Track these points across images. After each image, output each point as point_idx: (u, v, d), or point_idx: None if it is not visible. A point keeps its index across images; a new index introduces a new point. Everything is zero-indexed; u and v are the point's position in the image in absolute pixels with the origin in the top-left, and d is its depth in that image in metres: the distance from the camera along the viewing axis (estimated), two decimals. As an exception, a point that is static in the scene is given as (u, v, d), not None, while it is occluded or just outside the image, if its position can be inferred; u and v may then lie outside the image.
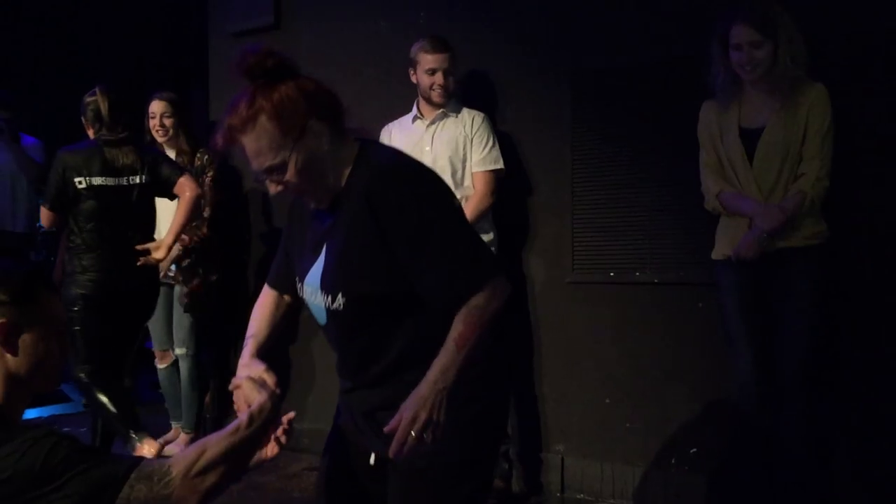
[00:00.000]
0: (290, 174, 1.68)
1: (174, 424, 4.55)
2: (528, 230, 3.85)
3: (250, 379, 1.72)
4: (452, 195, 1.79)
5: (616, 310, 3.66)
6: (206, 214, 4.37)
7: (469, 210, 3.52)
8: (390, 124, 3.80)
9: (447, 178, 3.55)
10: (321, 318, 1.81)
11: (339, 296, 1.72)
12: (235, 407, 1.71)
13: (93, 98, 3.86)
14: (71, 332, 3.60)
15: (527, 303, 3.85)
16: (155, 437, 4.39)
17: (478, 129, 3.62)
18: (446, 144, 3.62)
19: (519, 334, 3.85)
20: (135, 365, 5.89)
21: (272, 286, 1.98)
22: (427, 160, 3.57)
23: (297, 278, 1.86)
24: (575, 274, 3.74)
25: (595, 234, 3.69)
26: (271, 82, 1.66)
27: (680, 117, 3.32)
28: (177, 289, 4.40)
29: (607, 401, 3.66)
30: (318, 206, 1.77)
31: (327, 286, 1.74)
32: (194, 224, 4.33)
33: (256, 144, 1.66)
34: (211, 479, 1.53)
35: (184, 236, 4.30)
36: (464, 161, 3.62)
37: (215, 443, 1.55)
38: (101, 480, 1.46)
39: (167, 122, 4.36)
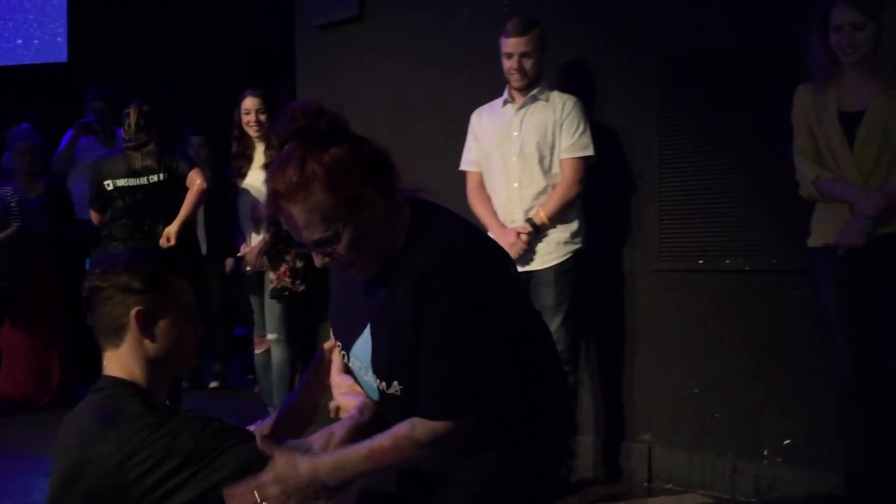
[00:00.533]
0: (341, 247, 1.53)
1: (271, 411, 4.67)
2: (614, 218, 3.82)
3: (346, 394, 1.73)
4: (495, 297, 1.58)
5: (705, 298, 3.60)
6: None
7: (555, 199, 3.50)
8: (481, 108, 3.73)
9: (534, 164, 3.51)
10: (373, 395, 1.69)
11: (395, 383, 1.60)
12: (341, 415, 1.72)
13: (127, 111, 4.48)
14: None
15: (614, 291, 3.82)
16: (244, 422, 4.62)
17: (568, 114, 3.53)
18: (535, 129, 3.53)
19: (606, 323, 3.83)
20: (226, 351, 6.11)
21: None
22: (514, 146, 3.56)
23: (339, 344, 1.74)
24: (663, 262, 3.69)
25: (684, 221, 3.64)
26: (323, 145, 1.50)
27: (771, 102, 3.24)
28: (267, 275, 4.51)
29: (696, 390, 3.61)
30: (364, 277, 1.62)
31: (381, 372, 1.62)
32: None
33: (307, 216, 1.49)
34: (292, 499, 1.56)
35: (272, 227, 4.41)
36: (552, 147, 3.53)
37: (340, 426, 1.62)
38: (250, 456, 1.53)
39: (262, 117, 4.45)
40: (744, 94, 3.45)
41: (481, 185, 3.68)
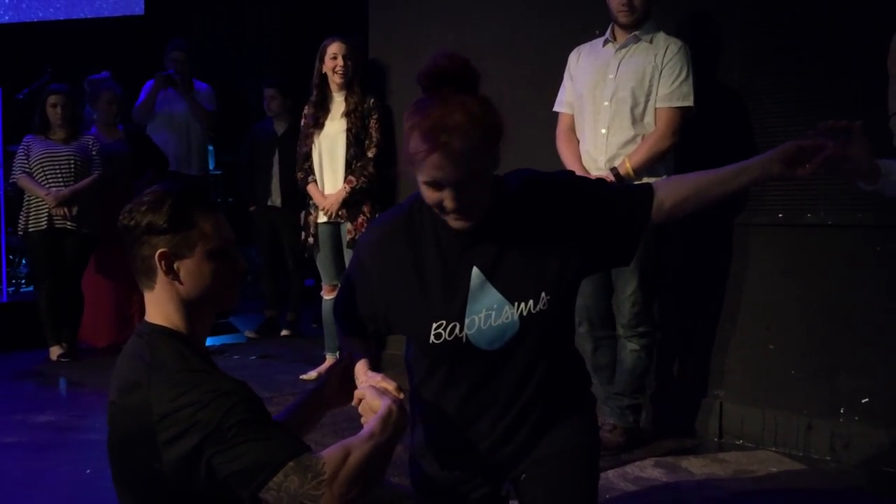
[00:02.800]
0: (472, 190, 1.63)
1: (328, 356, 4.76)
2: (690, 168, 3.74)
3: (372, 387, 1.67)
4: None
5: (784, 253, 3.52)
6: (371, 155, 4.50)
7: (644, 149, 3.28)
8: (581, 46, 3.54)
9: (625, 111, 3.32)
10: (504, 337, 1.75)
11: (543, 295, 1.72)
12: (362, 419, 1.65)
13: None
14: None
15: (691, 245, 3.76)
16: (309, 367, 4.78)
17: (671, 59, 3.28)
18: (632, 73, 3.31)
19: (682, 277, 3.78)
20: (298, 300, 6.21)
21: (355, 335, 1.91)
22: (608, 89, 3.36)
23: (441, 322, 1.75)
24: (742, 215, 3.61)
25: (763, 174, 3.54)
26: (473, 93, 1.61)
27: (859, 50, 3.12)
28: (344, 226, 4.56)
29: (771, 346, 3.56)
30: (465, 226, 1.70)
31: (522, 293, 1.72)
32: (360, 164, 4.48)
33: (459, 155, 1.57)
34: (356, 488, 1.46)
35: (351, 177, 4.46)
36: (648, 94, 3.30)
37: (357, 446, 1.49)
38: (262, 459, 1.44)
39: (349, 62, 4.46)
40: (829, 43, 3.33)
41: (571, 128, 3.52)
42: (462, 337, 1.74)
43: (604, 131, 3.39)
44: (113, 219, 5.41)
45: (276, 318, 6.21)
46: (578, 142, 3.50)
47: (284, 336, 6.08)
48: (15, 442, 3.68)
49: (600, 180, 1.84)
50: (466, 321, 1.74)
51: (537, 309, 1.72)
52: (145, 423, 1.48)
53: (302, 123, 4.64)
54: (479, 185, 1.65)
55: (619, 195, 1.85)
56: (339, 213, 4.48)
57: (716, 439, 3.67)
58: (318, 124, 4.51)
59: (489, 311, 1.73)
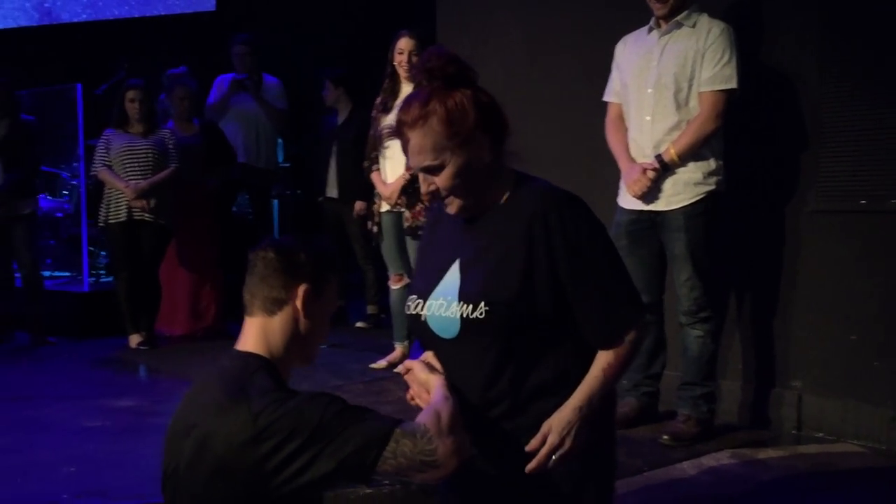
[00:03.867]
0: (444, 176, 1.73)
1: (397, 345, 4.77)
2: (765, 155, 3.65)
3: (420, 362, 1.78)
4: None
5: (866, 240, 3.41)
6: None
7: (688, 135, 3.27)
8: (627, 36, 3.55)
9: (669, 97, 3.31)
10: (451, 331, 1.78)
11: (482, 304, 1.72)
12: (409, 394, 1.79)
13: None
14: None
15: (765, 233, 3.67)
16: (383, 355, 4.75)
17: (713, 42, 3.27)
18: (674, 59, 3.31)
19: (756, 266, 3.70)
20: (375, 293, 6.15)
21: None
22: (651, 76, 3.38)
23: (415, 296, 1.85)
24: (820, 202, 3.51)
25: (844, 158, 3.43)
26: (449, 87, 1.72)
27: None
28: (404, 214, 4.58)
29: (853, 337, 3.45)
30: (461, 214, 1.79)
31: (468, 295, 1.74)
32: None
33: (421, 142, 1.71)
34: (459, 438, 1.60)
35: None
36: (691, 79, 3.30)
37: (443, 406, 1.63)
38: (371, 434, 1.56)
39: (414, 58, 4.48)
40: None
41: (620, 117, 3.54)
42: (422, 315, 1.82)
43: (648, 118, 3.38)
44: (187, 212, 5.55)
45: (345, 308, 6.25)
46: (625, 131, 3.49)
47: (359, 327, 6.08)
48: (98, 426, 3.81)
49: (596, 242, 1.75)
50: (428, 302, 1.81)
51: (474, 316, 1.73)
52: (245, 438, 1.55)
53: (373, 112, 4.68)
54: (459, 174, 1.72)
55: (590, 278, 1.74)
56: (399, 200, 4.50)
57: (794, 431, 3.57)
58: (387, 109, 4.54)
59: (443, 301, 1.79)
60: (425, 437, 1.57)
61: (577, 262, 1.72)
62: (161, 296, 5.58)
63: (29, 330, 5.75)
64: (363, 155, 4.76)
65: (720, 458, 3.20)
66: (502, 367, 1.74)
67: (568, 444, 1.69)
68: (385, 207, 4.58)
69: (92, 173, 5.56)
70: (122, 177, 5.36)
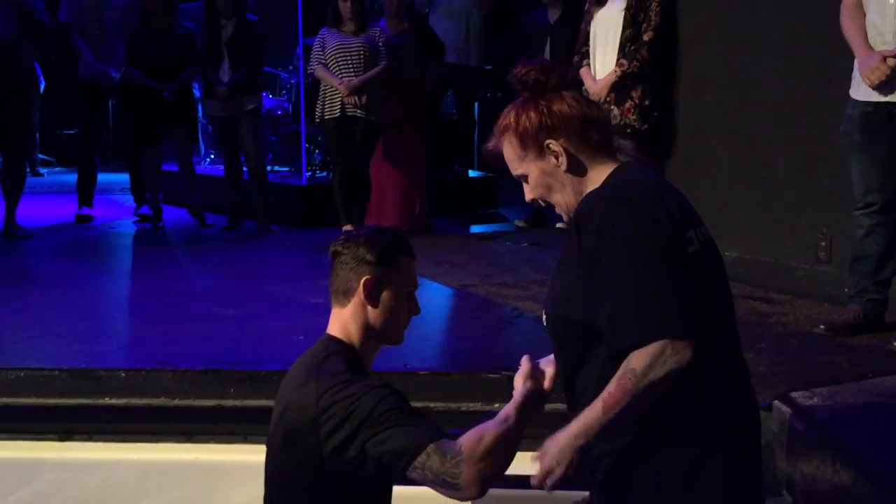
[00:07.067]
0: (529, 186, 1.81)
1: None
2: None
3: (530, 362, 1.85)
4: (662, 241, 1.62)
5: None
6: (646, 38, 4.40)
7: None
8: None
9: None
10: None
11: (544, 312, 1.81)
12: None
13: None
14: None
15: None
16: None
17: None
18: None
19: None
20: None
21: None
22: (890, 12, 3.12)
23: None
24: None
25: None
26: (536, 96, 1.77)
27: None
28: (612, 112, 4.52)
29: None
30: (563, 216, 1.83)
31: (545, 301, 1.83)
32: (634, 47, 4.39)
33: (508, 154, 1.82)
34: (490, 466, 1.66)
35: (623, 60, 4.39)
36: None
37: (491, 429, 1.69)
38: (407, 441, 1.68)
39: None
40: None
41: (857, 2, 3.27)
42: (542, 317, 1.86)
43: (892, 1, 3.10)
44: (398, 109, 5.79)
45: (545, 209, 6.28)
46: (863, 16, 3.23)
47: (559, 228, 6.12)
48: (321, 302, 4.09)
49: (611, 251, 1.63)
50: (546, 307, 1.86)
51: (545, 323, 1.81)
52: (311, 416, 1.75)
53: (586, 5, 4.60)
54: (539, 184, 1.78)
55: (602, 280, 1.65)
56: (608, 97, 4.44)
57: None
58: (600, 2, 4.45)
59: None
60: (455, 459, 1.66)
61: (595, 272, 1.64)
62: (371, 189, 5.86)
63: (255, 218, 6.22)
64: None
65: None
66: (568, 374, 1.79)
67: (559, 472, 1.65)
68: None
69: (309, 71, 5.85)
70: (335, 74, 5.61)
